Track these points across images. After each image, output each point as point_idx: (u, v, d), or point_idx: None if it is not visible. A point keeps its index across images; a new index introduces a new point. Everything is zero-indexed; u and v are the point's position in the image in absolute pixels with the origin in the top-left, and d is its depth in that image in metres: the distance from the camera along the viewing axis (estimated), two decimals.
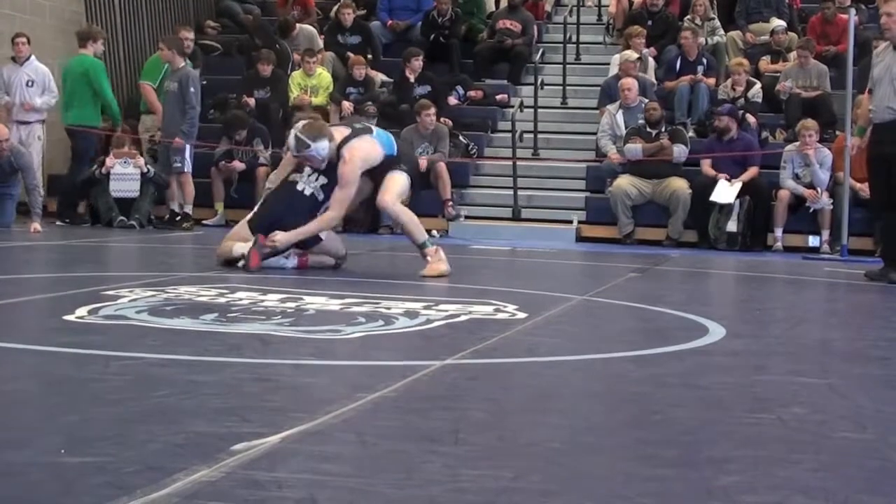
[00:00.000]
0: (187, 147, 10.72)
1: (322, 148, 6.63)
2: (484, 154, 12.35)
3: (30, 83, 10.83)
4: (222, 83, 12.90)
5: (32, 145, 10.63)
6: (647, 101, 11.51)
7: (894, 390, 3.71)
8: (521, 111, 12.46)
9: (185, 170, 10.71)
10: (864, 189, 10.37)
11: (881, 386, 3.79)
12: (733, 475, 2.41)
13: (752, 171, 10.77)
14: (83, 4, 13.03)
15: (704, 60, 12.31)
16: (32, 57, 10.97)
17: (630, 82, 11.47)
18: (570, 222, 11.33)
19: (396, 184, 6.73)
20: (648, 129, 11.12)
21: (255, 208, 7.05)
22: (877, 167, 7.50)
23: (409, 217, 6.81)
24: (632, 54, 11.99)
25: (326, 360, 3.75)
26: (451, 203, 11.22)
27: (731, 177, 10.67)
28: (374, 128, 7.06)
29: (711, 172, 10.76)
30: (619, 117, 11.47)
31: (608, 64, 12.93)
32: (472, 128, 12.48)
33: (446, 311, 4.96)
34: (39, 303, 5.06)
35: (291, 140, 6.67)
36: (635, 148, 10.98)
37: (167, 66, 10.94)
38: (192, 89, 10.63)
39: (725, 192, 10.55)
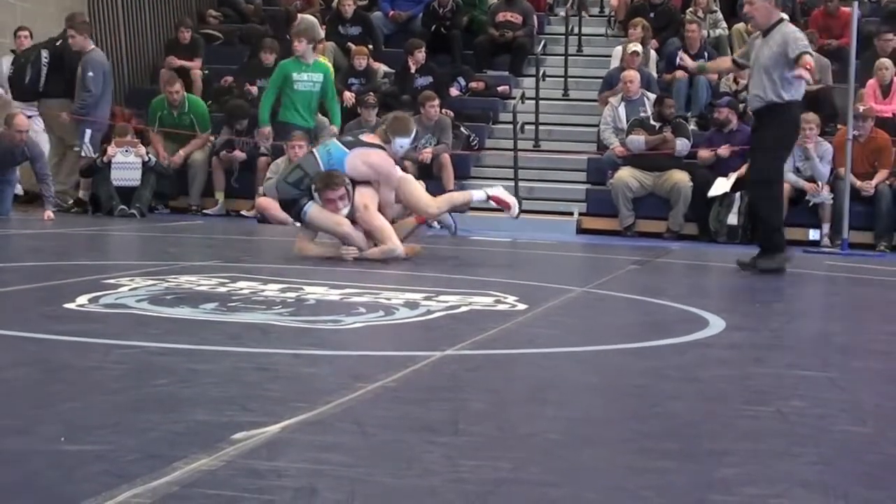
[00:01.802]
0: (87, 132, 10.77)
1: (400, 145, 6.95)
2: (485, 145, 12.35)
3: None
4: (224, 72, 12.89)
5: (38, 136, 10.70)
6: (649, 94, 11.50)
7: (894, 384, 3.71)
8: (523, 103, 12.45)
9: (83, 154, 10.76)
10: (864, 186, 10.40)
11: (881, 380, 3.79)
12: (733, 468, 2.41)
13: None
14: None
15: (706, 54, 12.28)
16: None
17: (632, 75, 11.46)
18: (571, 214, 11.33)
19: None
20: (652, 122, 11.11)
21: None
22: (752, 153, 7.81)
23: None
24: (633, 46, 11.97)
25: (327, 350, 3.75)
26: None
27: (732, 169, 10.67)
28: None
29: (709, 155, 10.76)
30: (621, 110, 11.46)
31: (610, 56, 12.91)
32: (473, 119, 12.47)
33: (447, 301, 4.96)
34: (40, 291, 5.06)
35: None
36: (638, 140, 10.97)
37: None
38: (90, 73, 10.66)
39: (721, 185, 10.57)
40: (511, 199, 7.35)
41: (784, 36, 7.17)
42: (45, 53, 11.05)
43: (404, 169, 7.58)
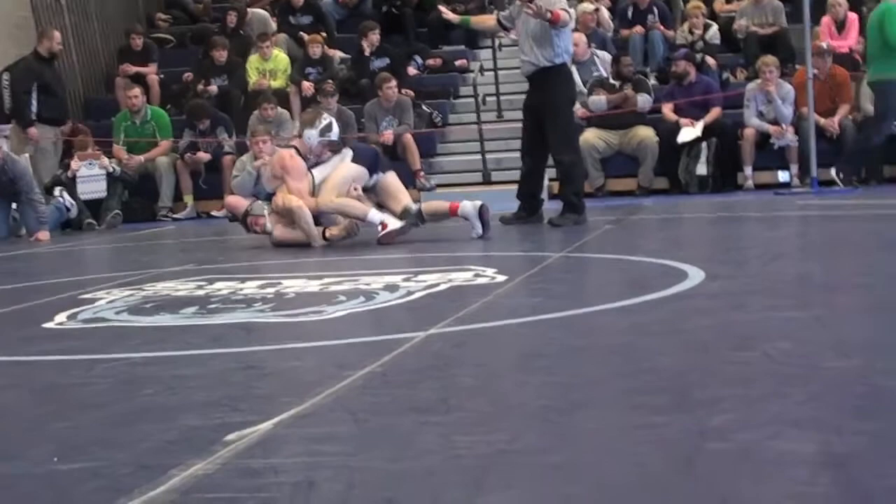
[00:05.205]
0: None
1: (308, 136, 7.23)
2: (448, 121, 12.30)
3: None
4: (179, 75, 12.79)
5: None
6: (599, 53, 11.49)
7: (876, 316, 3.73)
8: (482, 75, 12.41)
9: None
10: (828, 124, 10.43)
11: (863, 313, 3.81)
12: (725, 414, 2.42)
13: (715, 112, 10.78)
14: (29, 8, 12.85)
15: (655, 9, 12.28)
16: None
17: (577, 37, 11.41)
18: None
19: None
20: (612, 81, 11.10)
21: None
22: (524, 115, 8.22)
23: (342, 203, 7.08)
24: (588, 6, 11.94)
25: (311, 342, 3.74)
26: (422, 173, 11.18)
27: (694, 120, 10.68)
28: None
29: (673, 117, 10.77)
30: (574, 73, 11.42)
31: None
32: (434, 96, 12.42)
33: (426, 281, 4.96)
34: (17, 313, 5.02)
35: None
36: (599, 100, 10.97)
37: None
38: None
39: (689, 131, 10.59)
40: (394, 225, 6.99)
41: (546, 3, 7.55)
42: (5, 76, 11.08)
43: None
